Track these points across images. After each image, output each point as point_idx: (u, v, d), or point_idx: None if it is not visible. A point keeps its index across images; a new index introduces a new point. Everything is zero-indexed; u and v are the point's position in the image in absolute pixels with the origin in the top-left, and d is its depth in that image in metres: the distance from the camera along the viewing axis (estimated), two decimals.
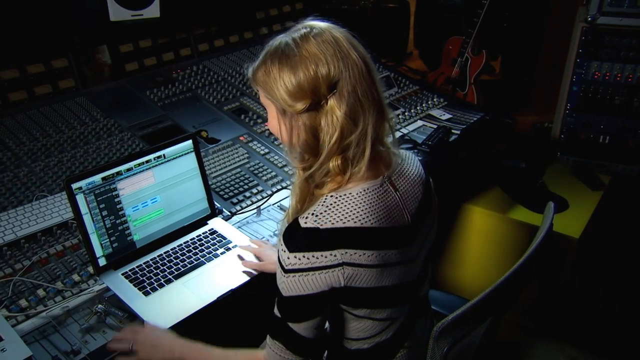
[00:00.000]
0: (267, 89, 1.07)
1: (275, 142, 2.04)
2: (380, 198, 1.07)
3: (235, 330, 1.46)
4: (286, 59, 1.03)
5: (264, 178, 1.87)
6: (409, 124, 2.33)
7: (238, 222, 1.68)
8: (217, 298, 1.37)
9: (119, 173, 1.44)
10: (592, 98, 2.74)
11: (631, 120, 2.68)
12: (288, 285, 1.03)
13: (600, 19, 2.61)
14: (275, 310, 1.09)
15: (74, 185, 1.36)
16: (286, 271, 1.02)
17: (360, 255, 1.02)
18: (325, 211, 1.03)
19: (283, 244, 1.03)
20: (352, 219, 1.03)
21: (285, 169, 1.92)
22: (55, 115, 1.99)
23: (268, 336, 1.12)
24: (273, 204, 1.76)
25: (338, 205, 1.04)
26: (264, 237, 1.61)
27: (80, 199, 1.37)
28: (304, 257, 1.00)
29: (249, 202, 1.76)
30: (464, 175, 2.50)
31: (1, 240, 1.47)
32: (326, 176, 1.07)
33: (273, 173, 1.89)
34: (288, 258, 1.01)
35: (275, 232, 1.63)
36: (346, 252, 1.01)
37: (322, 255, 1.00)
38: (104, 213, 1.42)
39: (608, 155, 2.77)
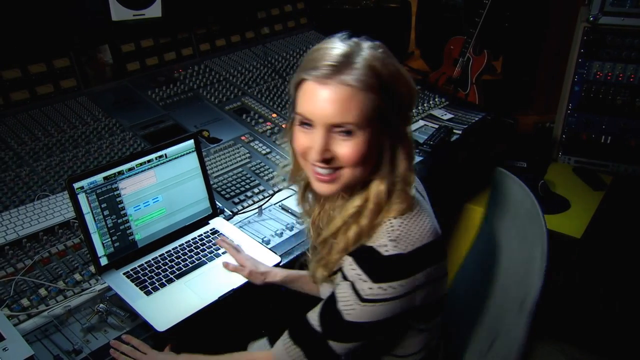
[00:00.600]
0: (385, 96, 0.96)
1: (277, 142, 2.04)
2: (427, 207, 1.09)
3: (236, 330, 1.46)
4: (400, 67, 1.00)
5: (266, 178, 1.87)
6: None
7: (239, 221, 1.68)
8: (219, 297, 1.37)
9: (120, 172, 1.44)
10: (594, 98, 2.74)
11: (633, 121, 2.68)
12: (360, 314, 1.00)
13: (602, 19, 2.61)
14: (315, 322, 1.06)
15: (76, 185, 1.36)
16: (364, 300, 0.99)
17: (437, 269, 1.03)
18: (401, 234, 1.00)
19: (364, 274, 0.99)
20: (427, 234, 1.01)
21: (287, 169, 1.91)
22: (56, 115, 2.00)
23: (287, 336, 1.10)
24: (274, 204, 1.76)
25: (408, 225, 1.01)
26: (265, 237, 1.60)
27: (82, 198, 1.37)
28: (390, 287, 0.97)
29: (250, 202, 1.76)
30: (465, 175, 2.50)
31: (3, 240, 1.47)
32: (391, 202, 1.03)
33: (274, 173, 1.89)
34: (370, 289, 0.98)
35: (277, 232, 1.63)
36: (428, 271, 1.00)
37: (407, 282, 0.98)
38: (106, 212, 1.42)
39: (610, 155, 2.76)
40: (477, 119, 2.42)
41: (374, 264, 0.99)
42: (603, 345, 2.35)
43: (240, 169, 1.89)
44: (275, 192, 1.80)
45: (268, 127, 2.12)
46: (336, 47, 0.97)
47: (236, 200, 1.76)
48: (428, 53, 3.94)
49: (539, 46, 3.50)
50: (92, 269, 1.43)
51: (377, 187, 1.02)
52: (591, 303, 2.44)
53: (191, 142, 1.59)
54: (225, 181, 1.83)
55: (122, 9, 2.14)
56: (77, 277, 1.41)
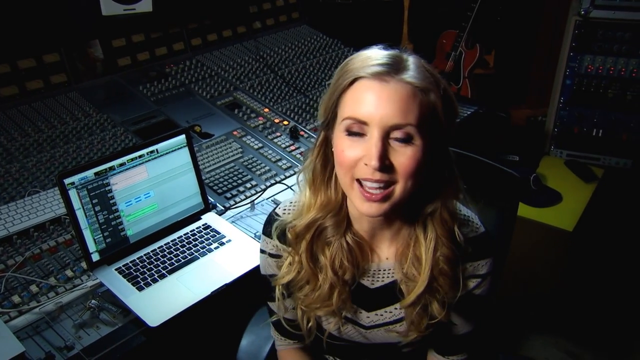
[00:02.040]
0: (442, 98, 0.90)
1: (269, 137, 2.03)
2: None
3: (229, 325, 1.46)
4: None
5: (258, 172, 1.86)
6: None
7: (232, 216, 1.68)
8: (211, 293, 1.36)
9: (111, 168, 1.43)
10: (586, 91, 2.75)
11: (624, 114, 2.70)
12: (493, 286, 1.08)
13: (593, 13, 2.62)
14: (473, 326, 1.11)
15: (67, 181, 1.35)
16: (494, 272, 1.06)
17: None
18: (469, 214, 1.06)
19: (489, 256, 1.03)
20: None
21: (279, 163, 1.91)
22: (47, 111, 1.98)
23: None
24: (267, 199, 1.76)
25: (464, 208, 1.06)
26: (257, 232, 1.60)
27: (72, 194, 1.36)
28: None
29: (242, 197, 1.76)
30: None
31: None
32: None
33: (267, 167, 1.89)
34: (495, 260, 1.05)
35: None
36: None
37: None
38: (97, 208, 1.41)
39: (601, 148, 2.78)
40: (469, 112, 2.42)
41: (487, 245, 1.04)
42: (596, 337, 2.37)
43: (232, 164, 1.89)
44: (267, 187, 1.79)
45: (260, 121, 2.12)
46: (381, 50, 0.92)
47: (228, 195, 1.76)
48: (420, 47, 3.93)
49: (531, 40, 3.51)
50: (83, 265, 1.43)
51: (443, 217, 0.97)
52: (583, 295, 2.46)
53: (182, 137, 1.58)
54: (217, 176, 1.82)
55: (112, 4, 2.12)
56: (69, 273, 1.41)
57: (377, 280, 1.05)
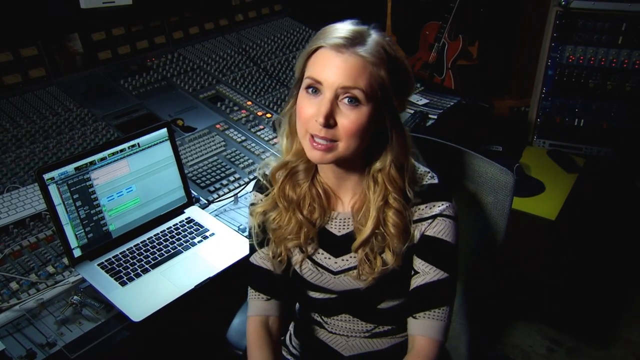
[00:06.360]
0: (391, 75, 1.03)
1: (252, 130, 2.02)
2: None
3: (213, 319, 1.46)
4: (403, 55, 1.09)
5: (241, 166, 1.85)
6: None
7: (215, 210, 1.67)
8: (195, 286, 1.36)
9: (92, 163, 1.42)
10: (567, 82, 2.78)
11: (604, 103, 2.73)
12: (455, 231, 1.13)
13: (574, 3, 2.65)
14: (442, 276, 1.12)
15: (46, 176, 1.33)
16: (457, 217, 1.13)
17: None
18: (422, 169, 1.15)
19: (445, 202, 1.11)
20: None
21: (263, 156, 1.91)
22: (25, 105, 1.95)
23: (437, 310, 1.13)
24: (250, 192, 1.75)
25: (419, 166, 1.16)
26: (241, 225, 1.60)
27: (52, 189, 1.35)
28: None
29: (225, 190, 1.75)
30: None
31: None
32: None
33: (250, 160, 1.88)
34: (453, 207, 1.13)
35: None
36: None
37: None
38: (78, 203, 1.40)
39: (583, 138, 2.82)
40: (452, 103, 2.43)
41: (438, 190, 1.12)
42: (578, 325, 2.40)
43: (215, 157, 1.88)
44: (251, 180, 1.79)
45: (243, 114, 2.11)
46: (349, 25, 1.04)
47: (212, 188, 1.75)
48: (404, 39, 3.94)
49: (514, 31, 3.53)
50: (65, 261, 1.42)
51: (390, 174, 1.09)
52: (566, 283, 2.49)
53: (164, 130, 1.57)
54: (200, 170, 1.81)
55: None
56: (50, 269, 1.39)
57: (343, 228, 1.18)
